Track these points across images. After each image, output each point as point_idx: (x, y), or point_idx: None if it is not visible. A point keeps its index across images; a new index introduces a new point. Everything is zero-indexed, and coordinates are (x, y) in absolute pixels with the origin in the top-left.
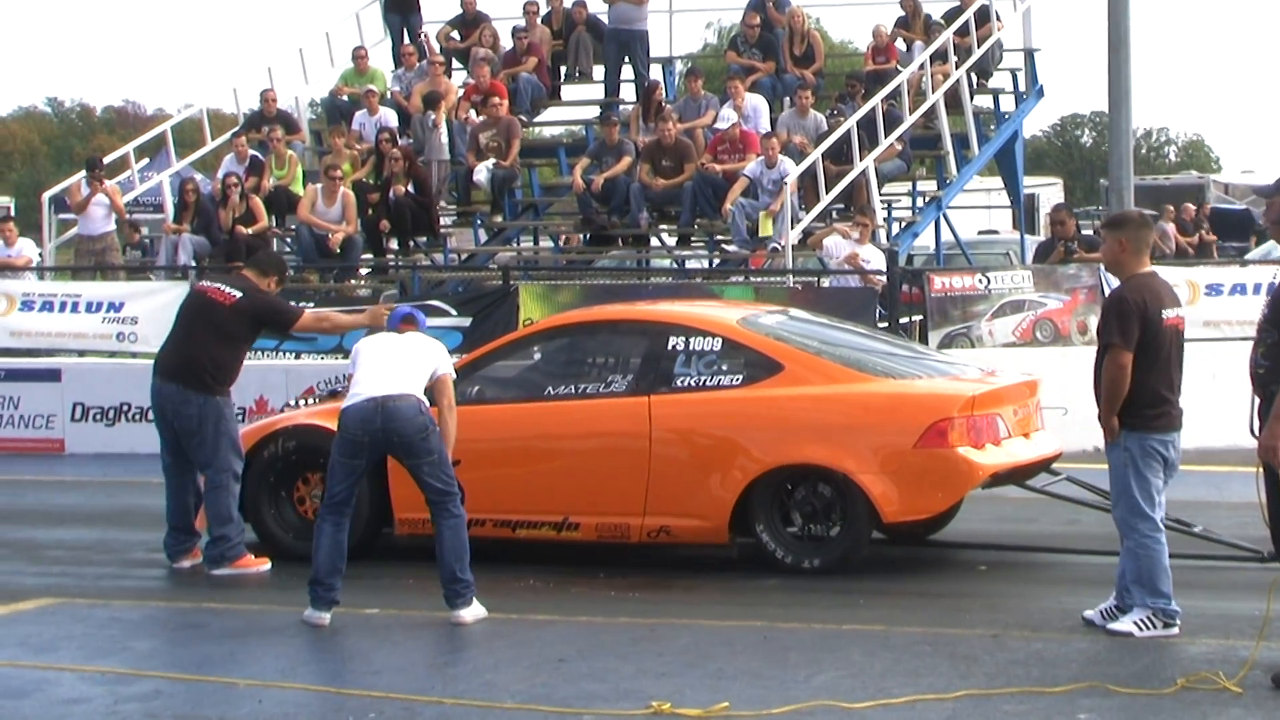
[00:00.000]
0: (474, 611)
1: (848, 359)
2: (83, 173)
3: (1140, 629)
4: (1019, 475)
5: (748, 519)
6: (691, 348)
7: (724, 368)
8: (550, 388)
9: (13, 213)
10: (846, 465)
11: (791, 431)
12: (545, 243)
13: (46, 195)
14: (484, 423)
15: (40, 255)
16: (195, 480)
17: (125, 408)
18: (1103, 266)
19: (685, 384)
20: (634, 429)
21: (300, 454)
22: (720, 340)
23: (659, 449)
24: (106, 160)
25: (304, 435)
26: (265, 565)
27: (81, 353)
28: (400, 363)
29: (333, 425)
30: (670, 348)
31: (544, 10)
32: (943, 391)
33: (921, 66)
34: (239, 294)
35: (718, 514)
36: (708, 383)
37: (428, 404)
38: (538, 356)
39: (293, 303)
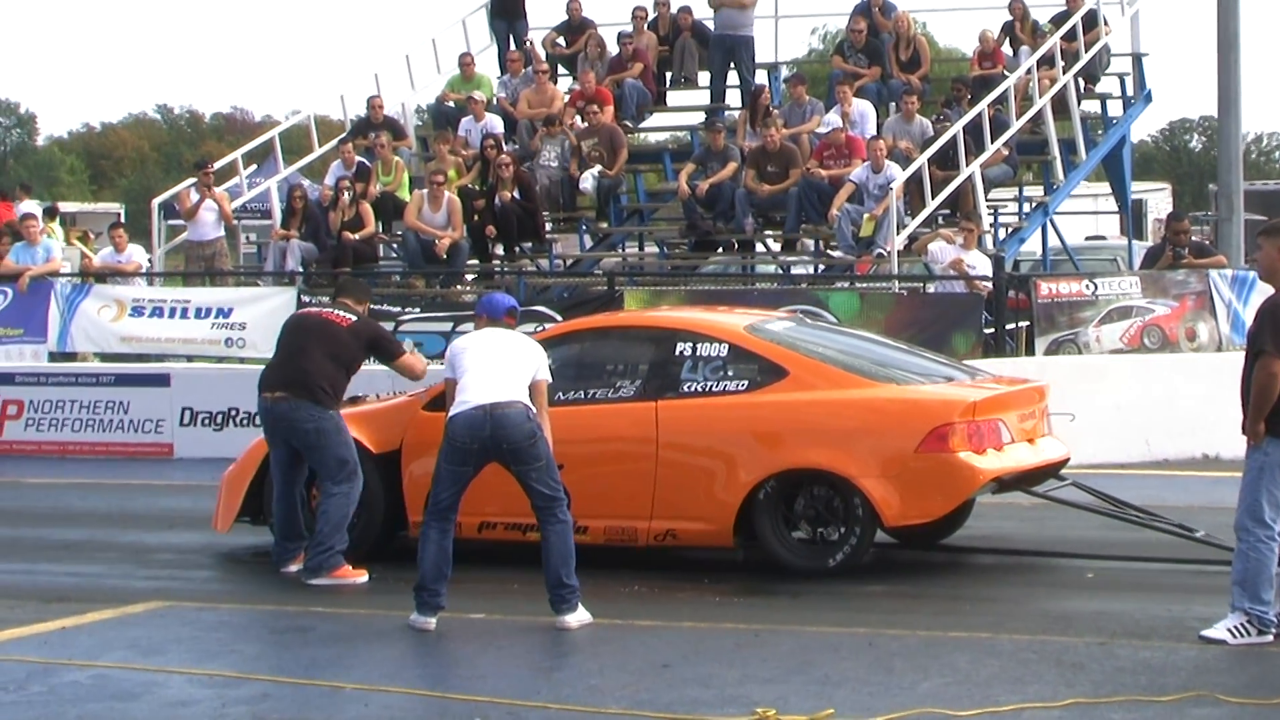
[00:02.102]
0: (579, 617)
1: (852, 365)
2: (192, 179)
3: (1234, 636)
4: (1024, 480)
5: (753, 522)
6: (699, 353)
7: (730, 373)
8: (560, 392)
9: (123, 219)
10: (849, 469)
11: (795, 436)
12: (650, 248)
13: (156, 201)
14: None
15: (150, 261)
16: (302, 490)
17: (233, 412)
18: (1257, 275)
19: (692, 389)
20: (641, 434)
21: None
22: (727, 346)
23: (666, 454)
24: (215, 166)
25: None
26: (363, 577)
27: (190, 358)
28: (505, 368)
29: (355, 430)
30: (678, 353)
31: (650, 16)
32: (944, 397)
33: (1028, 71)
34: (354, 318)
35: (723, 518)
36: (714, 388)
37: (533, 409)
38: (564, 355)
39: None
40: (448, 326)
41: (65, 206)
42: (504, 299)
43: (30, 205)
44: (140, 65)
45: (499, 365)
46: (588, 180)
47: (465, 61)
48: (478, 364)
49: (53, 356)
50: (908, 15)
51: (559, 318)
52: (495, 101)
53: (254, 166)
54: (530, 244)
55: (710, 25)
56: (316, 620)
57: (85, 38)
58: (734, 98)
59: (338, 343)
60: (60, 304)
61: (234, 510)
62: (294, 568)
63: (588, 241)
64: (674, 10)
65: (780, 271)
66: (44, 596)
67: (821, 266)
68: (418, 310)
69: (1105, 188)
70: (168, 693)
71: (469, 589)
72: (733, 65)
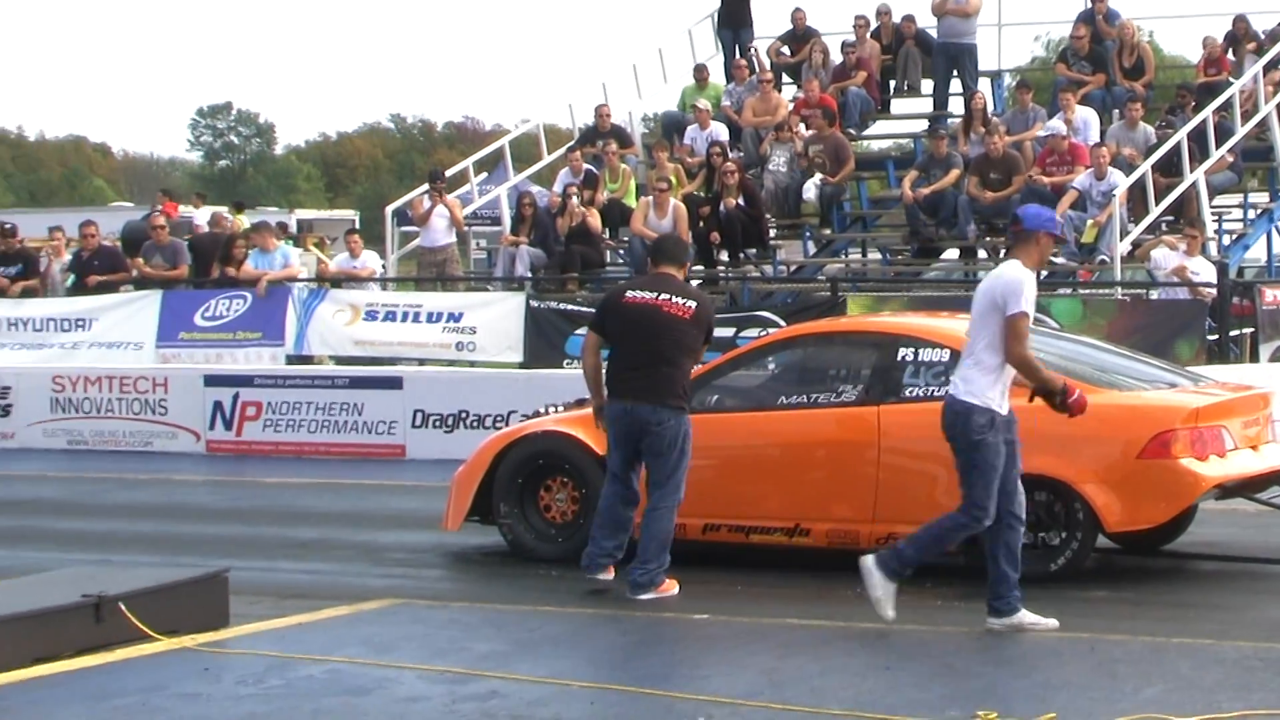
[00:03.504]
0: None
1: (1074, 370)
2: (425, 186)
3: None
4: (1247, 487)
5: None
6: (920, 359)
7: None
8: (783, 396)
9: (357, 226)
10: (1069, 475)
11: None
12: (873, 254)
13: (390, 209)
14: (720, 430)
15: (383, 267)
16: (636, 498)
17: (463, 415)
18: None
19: (914, 394)
20: (863, 438)
21: (542, 457)
22: (949, 352)
23: (887, 458)
24: (446, 174)
25: (545, 440)
26: (675, 588)
27: (422, 361)
28: None
29: (578, 432)
30: (900, 359)
31: (873, 25)
32: (1167, 403)
33: (1254, 78)
34: (694, 303)
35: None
36: (936, 393)
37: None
38: (771, 367)
39: None
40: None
41: (302, 214)
42: None
43: (202, 212)
44: (374, 76)
45: None
46: (810, 190)
47: (701, 73)
48: None
49: (290, 359)
50: (1131, 22)
51: (782, 323)
52: (721, 109)
53: (484, 174)
54: (755, 250)
55: (933, 33)
56: (543, 620)
57: (321, 50)
58: (957, 105)
59: (684, 336)
60: (297, 308)
61: (464, 510)
62: (606, 576)
63: (811, 248)
64: (897, 19)
65: None
66: (281, 593)
67: (1044, 273)
68: None
69: None
70: (399, 688)
71: (694, 590)
72: (956, 73)
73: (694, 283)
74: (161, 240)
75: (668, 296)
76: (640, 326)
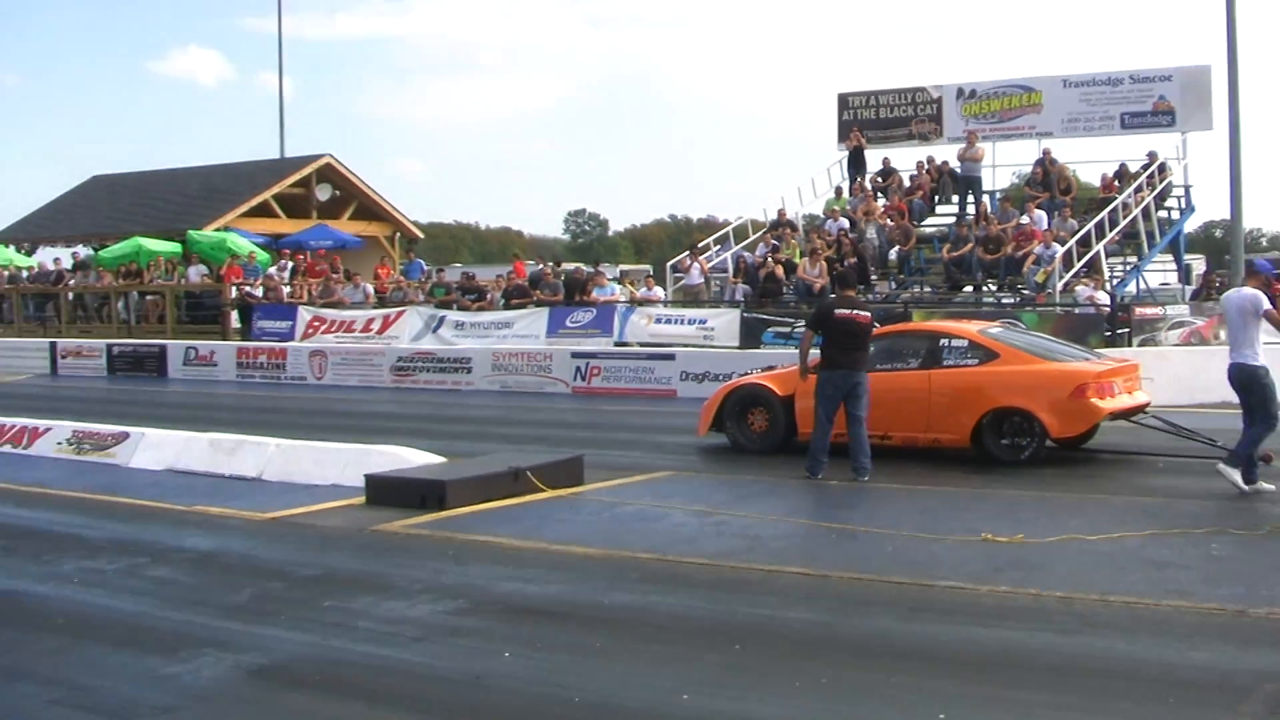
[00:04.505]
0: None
1: (1035, 350)
2: (686, 252)
3: None
4: (1125, 414)
5: (980, 435)
6: (951, 345)
7: (969, 356)
8: (880, 364)
9: (650, 273)
10: (1032, 407)
11: (1004, 389)
12: (926, 289)
13: (669, 264)
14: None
15: (665, 295)
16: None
17: (706, 373)
18: None
19: (949, 364)
20: (922, 386)
21: (749, 398)
22: (967, 341)
23: (934, 398)
24: (699, 244)
25: (751, 388)
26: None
27: (685, 345)
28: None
29: (769, 383)
30: (941, 345)
31: (926, 166)
32: (1084, 369)
33: (1129, 196)
34: (868, 314)
35: (963, 432)
36: (960, 363)
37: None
38: (873, 349)
39: None
40: None
41: (623, 267)
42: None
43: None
44: (659, 189)
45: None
46: (891, 254)
47: (838, 191)
48: None
49: (615, 344)
50: (1065, 165)
51: (878, 325)
52: (845, 210)
53: (719, 245)
54: (863, 285)
55: (958, 169)
56: (750, 483)
57: (634, 175)
58: (969, 209)
59: (867, 332)
60: (619, 317)
61: (707, 424)
62: (821, 474)
63: (893, 285)
64: (939, 162)
65: (996, 302)
66: (610, 468)
67: (1015, 299)
68: (802, 322)
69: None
70: (673, 517)
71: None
72: (969, 191)
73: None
74: (550, 280)
75: (857, 311)
76: (846, 329)
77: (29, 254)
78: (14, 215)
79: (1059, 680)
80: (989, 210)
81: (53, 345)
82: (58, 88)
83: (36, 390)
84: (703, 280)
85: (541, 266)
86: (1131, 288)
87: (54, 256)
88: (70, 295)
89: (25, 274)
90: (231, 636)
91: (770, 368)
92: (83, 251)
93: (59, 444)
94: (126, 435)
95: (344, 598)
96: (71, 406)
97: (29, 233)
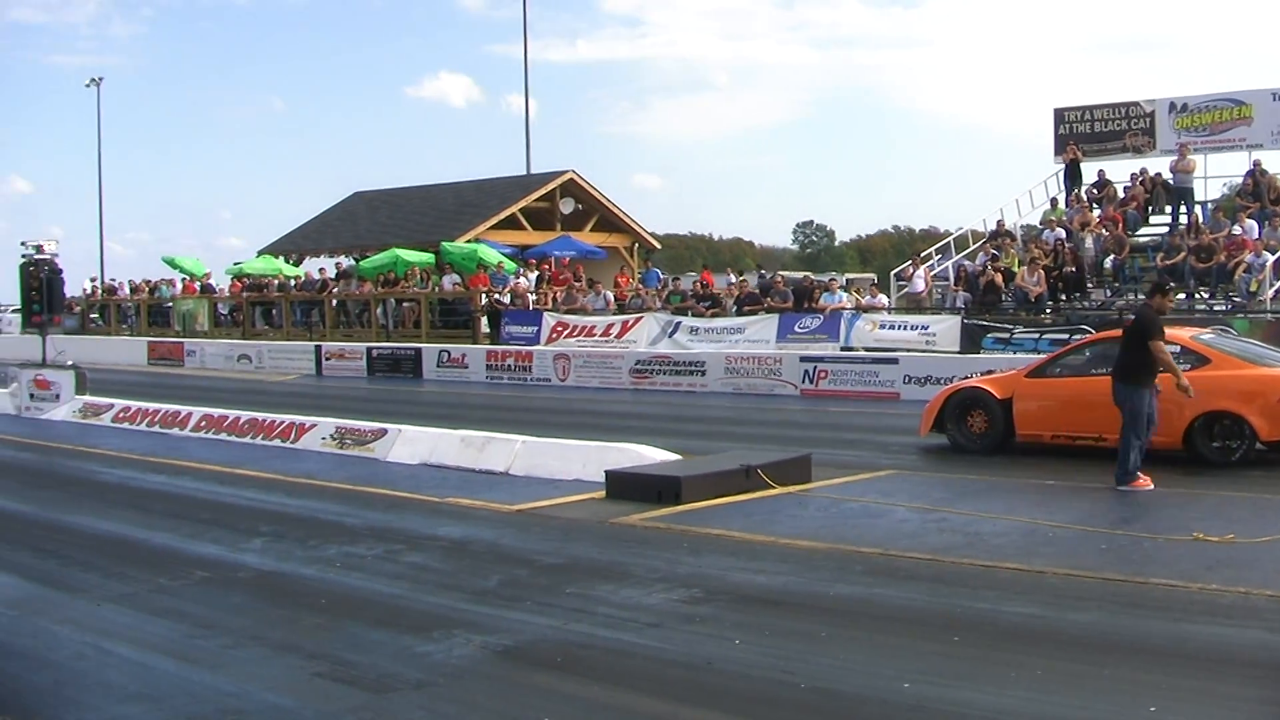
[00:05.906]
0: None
1: (1247, 356)
2: (909, 261)
3: None
4: None
5: (1191, 437)
6: None
7: (1182, 361)
8: (1093, 369)
9: (875, 281)
10: (1242, 410)
11: (1215, 393)
12: (1140, 296)
13: (893, 272)
14: (1061, 386)
15: (889, 302)
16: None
17: (929, 377)
18: None
19: (1162, 369)
20: None
21: (969, 400)
22: (1180, 346)
23: None
24: (920, 255)
25: (971, 391)
26: (1150, 484)
27: (909, 350)
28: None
29: (987, 386)
30: None
31: (1140, 177)
32: None
33: None
34: (1133, 316)
35: (1175, 434)
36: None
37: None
38: (1087, 354)
39: None
40: (1058, 336)
41: (849, 275)
42: None
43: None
44: (881, 200)
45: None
46: (1107, 262)
47: (1055, 203)
48: None
49: (842, 348)
50: (1274, 175)
51: (1092, 331)
52: (1063, 221)
53: (940, 255)
54: (1079, 292)
55: (1170, 181)
56: (970, 482)
57: (864, 186)
58: (1182, 219)
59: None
60: (846, 323)
61: (929, 425)
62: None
63: (1108, 292)
64: (1152, 173)
65: (1208, 310)
66: (836, 465)
67: (1226, 306)
68: (1020, 328)
69: None
70: (895, 514)
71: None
72: (1182, 202)
73: (1047, 310)
74: (779, 288)
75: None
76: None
77: (297, 264)
78: (283, 229)
79: (1268, 676)
80: (1201, 220)
81: (318, 348)
82: (322, 112)
83: (303, 390)
84: (925, 288)
85: (768, 276)
86: None
87: (319, 266)
88: (334, 302)
89: (293, 283)
90: (480, 619)
91: (989, 372)
92: (345, 262)
93: (324, 439)
94: (385, 431)
95: (585, 585)
96: (335, 405)
97: (296, 245)
